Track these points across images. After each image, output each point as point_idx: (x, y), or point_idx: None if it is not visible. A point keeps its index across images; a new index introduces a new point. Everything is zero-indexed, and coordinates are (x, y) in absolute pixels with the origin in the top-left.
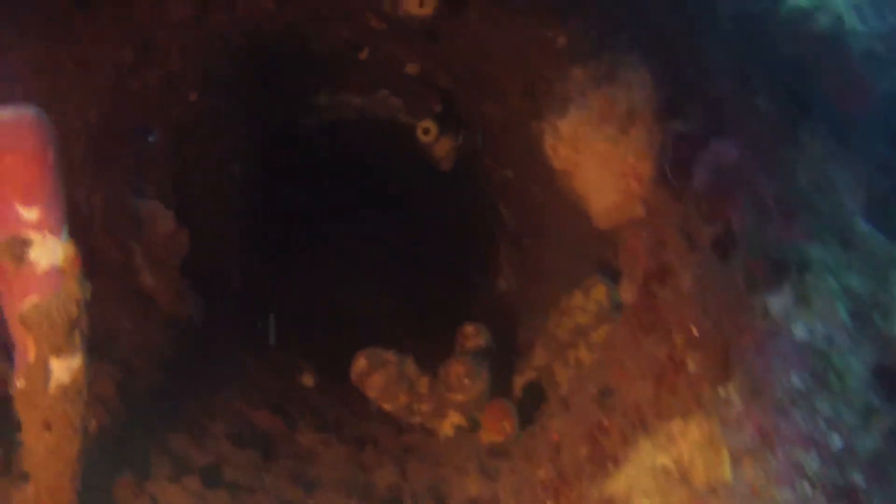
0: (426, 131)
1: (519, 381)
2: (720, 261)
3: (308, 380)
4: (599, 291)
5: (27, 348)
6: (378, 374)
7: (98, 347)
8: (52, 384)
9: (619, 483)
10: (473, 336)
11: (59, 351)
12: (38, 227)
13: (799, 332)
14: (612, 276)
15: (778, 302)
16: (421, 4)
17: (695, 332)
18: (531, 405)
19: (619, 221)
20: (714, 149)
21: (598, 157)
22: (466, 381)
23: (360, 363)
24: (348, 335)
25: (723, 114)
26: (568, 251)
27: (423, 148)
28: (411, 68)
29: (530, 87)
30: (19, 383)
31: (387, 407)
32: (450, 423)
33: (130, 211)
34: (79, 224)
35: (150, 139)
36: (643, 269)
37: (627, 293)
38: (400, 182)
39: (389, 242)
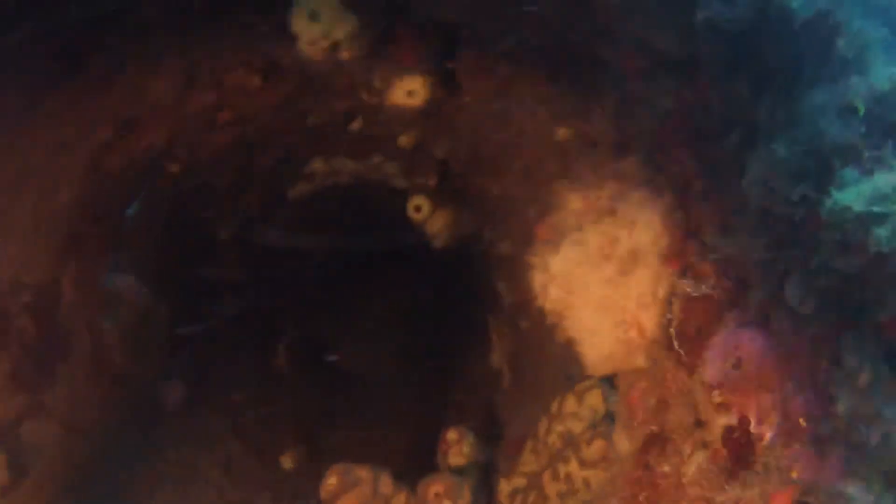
0: (418, 209)
1: (506, 487)
2: (732, 462)
3: (288, 462)
4: (595, 397)
5: None
6: (350, 495)
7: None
8: None
9: None
10: (456, 443)
11: None
12: None
13: None
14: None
15: None
16: (409, 95)
17: None
18: None
19: (617, 370)
20: (735, 334)
21: (593, 300)
22: (447, 502)
23: (331, 482)
24: (340, 399)
25: (746, 293)
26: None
27: (415, 226)
28: (405, 141)
29: (529, 171)
30: None
31: None
32: None
33: (102, 289)
34: (44, 307)
35: (129, 212)
36: (642, 429)
37: (624, 442)
38: (394, 250)
39: (385, 310)
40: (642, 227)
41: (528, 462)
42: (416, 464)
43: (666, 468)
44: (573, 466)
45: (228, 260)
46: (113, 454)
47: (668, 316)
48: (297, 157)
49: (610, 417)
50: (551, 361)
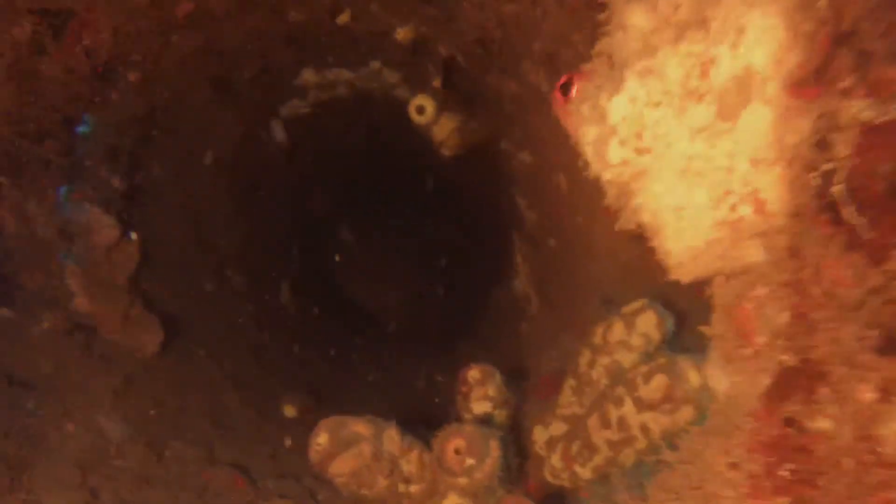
0: (420, 110)
1: (541, 436)
2: None
3: (290, 410)
4: (647, 321)
5: None
6: (346, 456)
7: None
8: None
9: None
10: (480, 384)
11: None
12: None
13: None
14: (667, 303)
15: None
16: None
17: None
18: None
19: (716, 271)
20: None
21: (677, 163)
22: (470, 460)
23: (320, 441)
24: (348, 339)
25: None
26: (606, 262)
27: (419, 130)
28: (403, 35)
29: (552, 51)
30: None
31: (363, 492)
32: None
33: (57, 222)
34: None
35: (80, 130)
36: (761, 361)
37: (721, 380)
38: (399, 168)
39: (392, 234)
40: (755, 38)
41: (569, 404)
42: (432, 413)
43: (824, 424)
44: (627, 409)
45: (214, 188)
46: None
47: (826, 166)
48: (283, 67)
49: (669, 346)
50: (591, 281)
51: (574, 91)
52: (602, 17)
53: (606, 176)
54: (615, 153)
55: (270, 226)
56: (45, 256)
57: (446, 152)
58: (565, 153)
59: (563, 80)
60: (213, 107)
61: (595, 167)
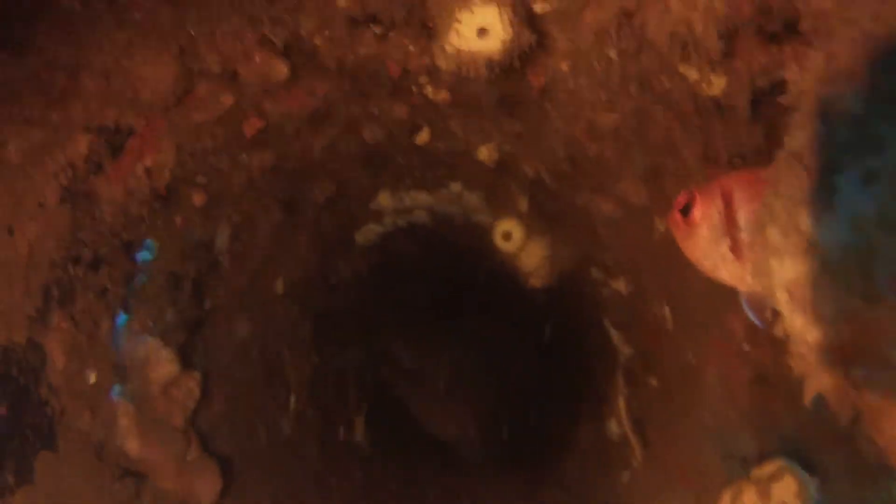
0: (506, 236)
1: None
2: None
3: None
4: (786, 488)
5: None
6: None
7: None
8: None
9: None
10: None
11: None
12: None
13: None
14: (805, 461)
15: None
16: (483, 35)
17: None
18: None
19: None
20: None
21: None
22: None
23: None
24: (424, 477)
25: None
26: (722, 407)
27: (505, 258)
28: (486, 154)
29: (657, 166)
30: None
31: None
32: None
33: (111, 356)
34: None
35: (141, 257)
36: None
37: None
38: (481, 299)
39: (470, 364)
40: None
41: None
42: None
43: None
44: None
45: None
46: None
47: None
48: (359, 189)
49: None
50: (705, 429)
51: (696, 213)
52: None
53: (814, 336)
54: (838, 304)
55: (343, 358)
56: (96, 393)
57: (535, 283)
58: (673, 283)
59: (682, 200)
60: (284, 231)
61: (796, 322)
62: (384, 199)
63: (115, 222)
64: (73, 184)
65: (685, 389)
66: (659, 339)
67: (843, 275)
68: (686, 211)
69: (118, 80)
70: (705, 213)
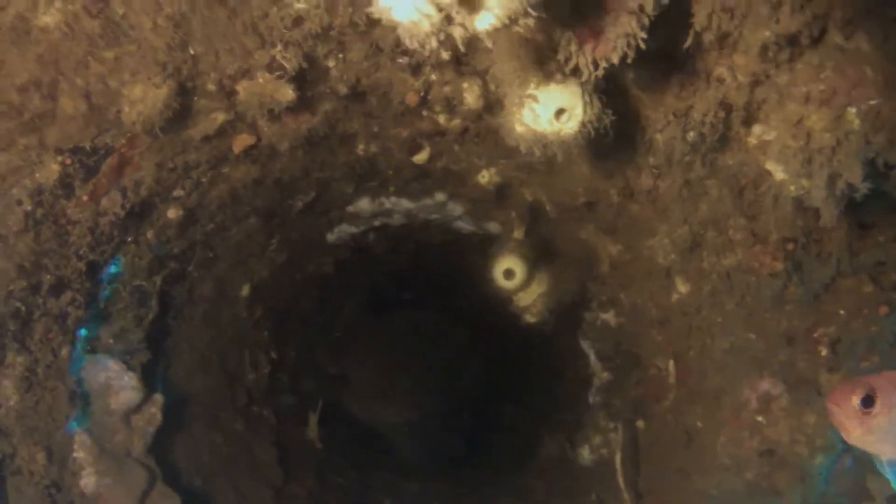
0: (509, 274)
1: None
2: None
3: None
4: None
5: None
6: None
7: None
8: None
9: None
10: None
11: None
12: None
13: None
14: None
15: None
16: (559, 115)
17: None
18: None
19: None
20: None
21: None
22: None
23: None
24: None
25: None
26: (727, 476)
27: (502, 294)
28: (487, 178)
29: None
30: None
31: None
32: None
33: (69, 384)
34: None
35: (106, 275)
36: None
37: None
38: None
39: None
40: None
41: None
42: None
43: None
44: None
45: (252, 323)
46: None
47: None
48: (338, 195)
49: None
50: (707, 497)
51: (878, 406)
52: None
53: None
54: None
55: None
56: (50, 428)
57: (530, 319)
58: (681, 338)
59: (861, 391)
60: (256, 237)
61: None
62: (364, 204)
63: (82, 243)
64: (37, 210)
65: (688, 453)
66: (657, 389)
67: None
68: (868, 402)
69: (101, 100)
70: (885, 404)
